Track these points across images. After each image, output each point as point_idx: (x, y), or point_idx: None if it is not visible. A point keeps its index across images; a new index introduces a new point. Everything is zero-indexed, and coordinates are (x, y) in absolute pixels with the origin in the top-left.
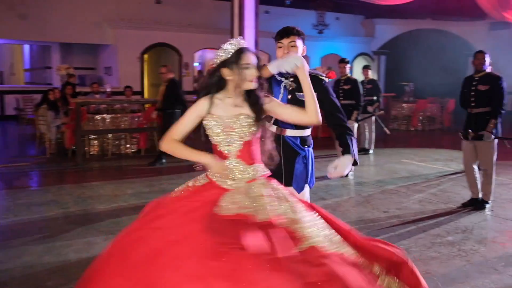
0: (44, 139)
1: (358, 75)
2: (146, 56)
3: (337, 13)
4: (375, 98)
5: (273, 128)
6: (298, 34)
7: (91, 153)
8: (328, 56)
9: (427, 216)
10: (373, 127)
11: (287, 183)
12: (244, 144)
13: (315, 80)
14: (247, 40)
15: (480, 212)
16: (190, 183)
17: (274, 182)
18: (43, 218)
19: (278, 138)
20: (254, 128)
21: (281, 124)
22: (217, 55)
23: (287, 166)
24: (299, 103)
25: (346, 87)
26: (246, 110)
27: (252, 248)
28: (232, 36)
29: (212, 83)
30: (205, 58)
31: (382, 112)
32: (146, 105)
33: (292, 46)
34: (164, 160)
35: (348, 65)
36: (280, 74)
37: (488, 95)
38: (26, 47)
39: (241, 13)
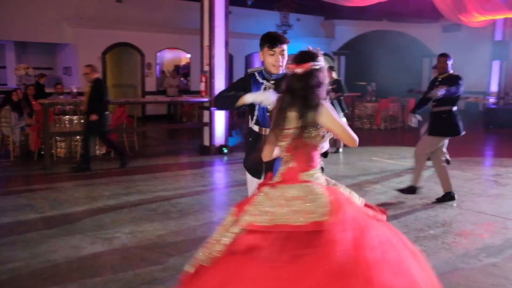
0: (7, 142)
1: None
2: (107, 56)
3: (298, 14)
4: (341, 98)
5: (255, 128)
6: (288, 42)
7: (58, 155)
8: (289, 56)
9: (406, 212)
10: None
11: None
12: None
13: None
14: (217, 41)
15: (454, 207)
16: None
17: None
18: (21, 223)
19: (259, 137)
20: None
21: (263, 125)
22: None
23: (267, 162)
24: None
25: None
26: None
27: None
28: (202, 37)
29: None
30: (165, 58)
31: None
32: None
33: (282, 55)
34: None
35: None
36: (262, 76)
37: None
38: None
39: (212, 13)
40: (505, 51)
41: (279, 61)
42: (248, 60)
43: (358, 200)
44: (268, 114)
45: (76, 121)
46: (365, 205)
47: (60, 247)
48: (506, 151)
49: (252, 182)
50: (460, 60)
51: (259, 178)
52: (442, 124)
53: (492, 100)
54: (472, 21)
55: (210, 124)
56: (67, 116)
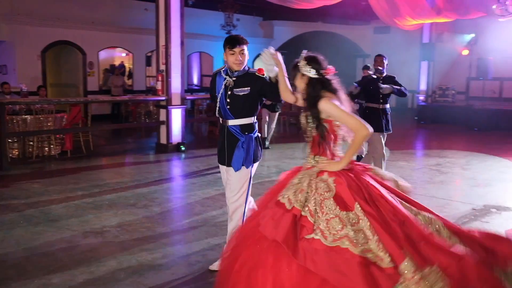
0: None
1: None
2: (47, 54)
3: (238, 14)
4: None
5: (220, 120)
6: (246, 43)
7: (12, 156)
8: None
9: None
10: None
11: (228, 164)
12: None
13: (253, 77)
14: (174, 40)
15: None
16: None
17: None
18: (2, 222)
19: (223, 128)
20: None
21: (224, 117)
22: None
23: (229, 149)
24: (236, 98)
25: None
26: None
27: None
28: (157, 36)
29: None
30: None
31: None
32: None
33: (242, 54)
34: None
35: None
36: (225, 73)
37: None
38: None
39: (168, 13)
40: (432, 53)
41: (239, 59)
42: (189, 59)
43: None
44: (228, 107)
45: (29, 121)
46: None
47: (54, 242)
48: (440, 144)
49: (221, 169)
50: (391, 60)
51: (223, 164)
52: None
53: (422, 97)
54: (405, 24)
55: (167, 122)
56: (21, 116)
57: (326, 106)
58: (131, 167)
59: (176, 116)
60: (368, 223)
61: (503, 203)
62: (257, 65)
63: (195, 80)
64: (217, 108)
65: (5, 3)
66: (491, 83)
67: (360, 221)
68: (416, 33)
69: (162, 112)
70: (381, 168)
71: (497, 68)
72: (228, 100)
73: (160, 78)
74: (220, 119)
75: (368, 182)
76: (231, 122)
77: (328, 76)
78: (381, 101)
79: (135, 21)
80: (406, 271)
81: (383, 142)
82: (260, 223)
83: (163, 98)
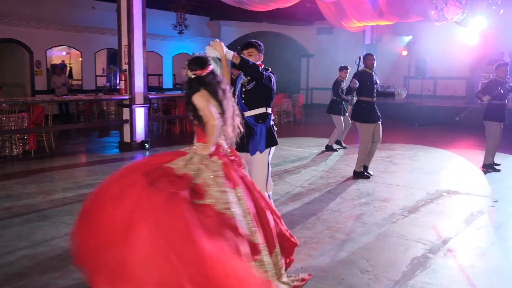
0: None
1: None
2: None
3: (186, 14)
4: None
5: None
6: (255, 46)
7: None
8: (179, 55)
9: (336, 188)
10: None
11: (247, 150)
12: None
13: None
14: (136, 41)
15: (370, 181)
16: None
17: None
18: None
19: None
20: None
21: (242, 110)
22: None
23: (247, 138)
24: (248, 92)
25: None
26: None
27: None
28: (120, 36)
29: None
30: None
31: None
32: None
33: (250, 55)
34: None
35: None
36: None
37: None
38: None
39: (130, 14)
40: (375, 53)
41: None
42: None
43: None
44: (243, 101)
45: None
46: None
47: (55, 235)
48: (386, 138)
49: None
50: (333, 59)
51: (242, 151)
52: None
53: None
54: (350, 26)
55: (131, 121)
56: None
57: (195, 100)
58: (101, 165)
59: (140, 115)
60: (245, 204)
61: (451, 188)
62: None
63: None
64: (236, 103)
65: None
66: (428, 82)
67: (240, 201)
68: (359, 34)
69: (126, 111)
70: (368, 154)
71: (432, 68)
72: (243, 96)
73: (123, 77)
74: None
75: (244, 173)
76: (247, 114)
77: (204, 75)
78: (374, 94)
79: (84, 19)
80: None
81: (380, 130)
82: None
83: (127, 97)
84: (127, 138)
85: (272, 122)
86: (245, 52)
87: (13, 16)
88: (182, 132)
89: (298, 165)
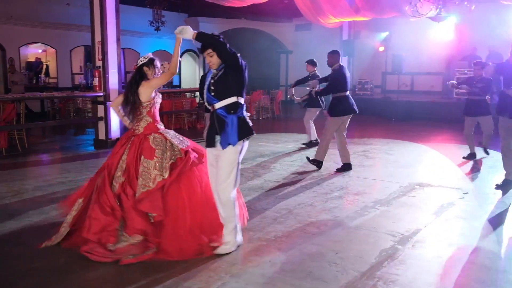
0: None
1: (188, 71)
2: None
3: (164, 11)
4: None
5: (210, 108)
6: (209, 46)
7: None
8: (157, 52)
9: (310, 182)
10: None
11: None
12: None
13: None
14: (110, 37)
15: (344, 175)
16: None
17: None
18: None
19: (213, 114)
20: None
21: (211, 103)
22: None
23: (219, 131)
24: (217, 82)
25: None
26: None
27: None
28: (93, 33)
29: None
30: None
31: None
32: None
33: (210, 56)
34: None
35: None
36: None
37: None
38: None
39: (103, 10)
40: (352, 49)
41: (208, 62)
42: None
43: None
44: (212, 94)
45: None
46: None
47: (35, 234)
48: (363, 133)
49: (209, 155)
50: (312, 55)
51: (212, 146)
52: None
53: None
54: (327, 22)
55: (106, 118)
56: None
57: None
58: (75, 162)
59: (114, 112)
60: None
61: (424, 181)
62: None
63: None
64: (205, 99)
65: None
66: (404, 77)
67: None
68: (336, 30)
69: (100, 108)
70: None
71: (409, 63)
72: (212, 88)
73: (97, 74)
74: (210, 108)
75: None
76: (217, 105)
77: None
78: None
79: (58, 16)
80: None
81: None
82: None
83: (101, 94)
84: (102, 136)
85: (245, 113)
86: (205, 54)
87: None
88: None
89: (273, 161)
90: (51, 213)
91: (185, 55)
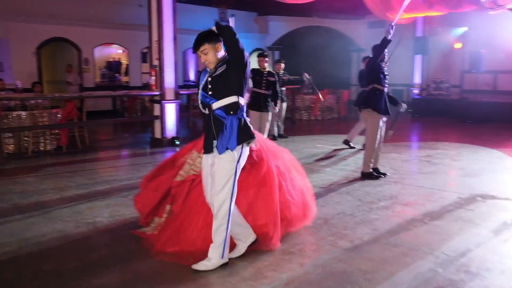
0: None
1: None
2: (43, 51)
3: (232, 9)
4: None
5: (206, 110)
6: (206, 39)
7: (7, 152)
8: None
9: (357, 189)
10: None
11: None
12: None
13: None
14: (166, 36)
15: (397, 183)
16: None
17: None
18: None
19: (209, 115)
20: None
21: (209, 102)
22: None
23: (216, 134)
24: (216, 79)
25: (270, 78)
26: None
27: None
28: (150, 32)
29: None
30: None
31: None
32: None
33: (204, 54)
34: None
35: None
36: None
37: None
38: None
39: (160, 9)
40: (426, 46)
41: (204, 60)
42: (184, 55)
43: None
44: (210, 92)
45: (24, 117)
46: None
47: (47, 232)
48: (432, 136)
49: (205, 161)
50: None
51: (209, 151)
52: None
53: (416, 91)
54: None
55: (162, 117)
56: (16, 112)
57: None
58: (126, 161)
59: (170, 111)
60: None
61: (489, 192)
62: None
63: (192, 76)
64: (199, 99)
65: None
66: (485, 76)
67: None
68: (409, 27)
69: (156, 106)
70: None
71: (490, 61)
72: (209, 86)
73: (153, 73)
74: (206, 109)
75: None
76: (215, 105)
77: None
78: (386, 85)
79: (130, 17)
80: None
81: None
82: None
83: (157, 93)
84: (157, 134)
85: (245, 115)
86: (198, 52)
87: (63, 16)
88: None
89: (325, 164)
90: (82, 214)
91: (255, 54)
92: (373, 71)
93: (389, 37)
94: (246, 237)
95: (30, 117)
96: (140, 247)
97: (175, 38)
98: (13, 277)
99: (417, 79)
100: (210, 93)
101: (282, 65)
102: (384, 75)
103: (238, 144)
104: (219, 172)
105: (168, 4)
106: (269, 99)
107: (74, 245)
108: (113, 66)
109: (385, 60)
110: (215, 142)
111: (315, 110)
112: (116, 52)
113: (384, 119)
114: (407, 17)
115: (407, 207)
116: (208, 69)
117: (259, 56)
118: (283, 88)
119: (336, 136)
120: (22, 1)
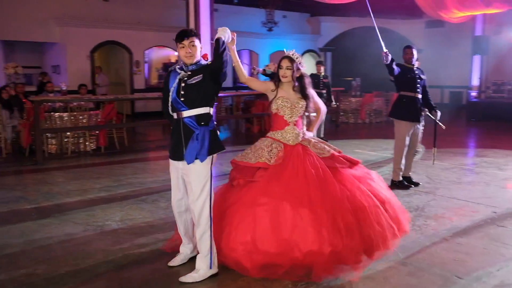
0: None
1: (310, 71)
2: (96, 54)
3: (284, 11)
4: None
5: (174, 115)
6: (196, 35)
7: (49, 151)
8: (276, 53)
9: None
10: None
11: (182, 157)
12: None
13: (206, 65)
14: (203, 38)
15: (428, 193)
16: (277, 147)
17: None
18: (15, 213)
19: (178, 122)
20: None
21: (179, 109)
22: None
23: (186, 143)
24: (190, 87)
25: (325, 80)
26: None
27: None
28: None
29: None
30: (154, 56)
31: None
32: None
33: (192, 46)
34: None
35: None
36: (181, 68)
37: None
38: None
39: (197, 10)
40: (485, 46)
41: (189, 51)
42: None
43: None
44: (182, 99)
45: (66, 118)
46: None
47: (54, 235)
48: (485, 143)
49: (173, 168)
50: (443, 54)
51: (179, 159)
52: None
53: (474, 94)
54: (451, 17)
55: None
56: (58, 113)
57: (312, 93)
58: (157, 162)
59: None
60: None
61: None
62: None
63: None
64: (170, 103)
65: (57, 7)
66: None
67: None
68: (468, 26)
69: None
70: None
71: None
72: (182, 92)
73: None
74: (175, 114)
75: None
76: (186, 114)
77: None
78: (418, 90)
79: (179, 20)
80: None
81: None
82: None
83: None
84: None
85: (214, 124)
86: (186, 42)
87: (115, 20)
88: (260, 130)
89: None
90: (94, 217)
91: (306, 55)
92: (398, 77)
93: (385, 63)
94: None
95: (71, 119)
96: (137, 255)
97: (212, 40)
98: (4, 279)
99: (475, 81)
100: (182, 99)
101: (322, 68)
102: (415, 81)
103: (208, 155)
104: (195, 178)
105: (205, 6)
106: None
107: (75, 248)
108: (168, 67)
109: (413, 61)
110: (184, 150)
111: (362, 113)
112: (173, 54)
113: (419, 126)
114: (461, 16)
115: (431, 220)
116: (179, 71)
117: (317, 63)
118: (324, 91)
119: (379, 141)
120: (78, 6)
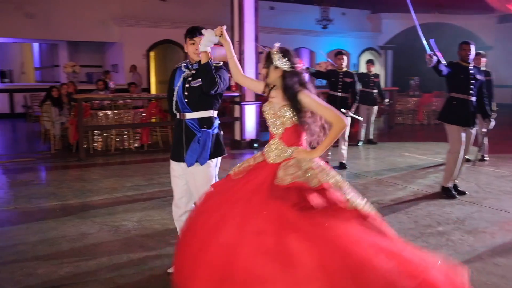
0: (49, 135)
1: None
2: (152, 53)
3: (343, 8)
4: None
5: (177, 114)
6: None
7: (95, 148)
8: (333, 51)
9: (421, 208)
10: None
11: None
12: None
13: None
14: (247, 36)
15: (474, 204)
16: (250, 161)
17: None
18: (41, 209)
19: (180, 122)
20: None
21: (182, 110)
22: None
23: (187, 145)
24: (193, 89)
25: (347, 79)
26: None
27: (319, 205)
28: (232, 31)
29: None
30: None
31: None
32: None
33: (193, 44)
34: None
35: (345, 58)
36: (186, 66)
37: (481, 86)
38: (36, 46)
39: (241, 8)
40: None
41: (196, 49)
42: None
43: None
44: (186, 100)
45: (111, 116)
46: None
47: (69, 233)
48: None
49: (174, 168)
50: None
51: (180, 161)
52: None
53: None
54: None
55: (241, 118)
56: (103, 111)
57: (306, 98)
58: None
59: (250, 113)
60: None
61: None
62: (364, 58)
63: None
64: (174, 102)
65: (117, 8)
66: None
67: None
68: None
69: (236, 108)
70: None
71: None
72: (186, 93)
73: None
74: (177, 114)
75: None
76: (189, 116)
77: (299, 70)
78: (471, 92)
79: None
80: None
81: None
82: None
83: (237, 94)
84: (237, 136)
85: (217, 128)
86: (195, 39)
87: (171, 20)
88: None
89: (400, 176)
90: (114, 216)
91: (365, 53)
92: (449, 78)
93: (430, 66)
94: None
95: (115, 117)
96: (141, 259)
97: (256, 38)
98: (5, 277)
99: None
100: (186, 100)
101: (373, 67)
102: (468, 81)
103: (209, 159)
104: (199, 180)
105: (249, 4)
106: (347, 101)
107: (83, 249)
108: (226, 66)
109: (470, 59)
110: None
111: (419, 114)
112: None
113: (472, 130)
114: None
115: (469, 235)
116: (184, 69)
117: (367, 62)
118: (375, 90)
119: (433, 144)
120: (136, 7)
